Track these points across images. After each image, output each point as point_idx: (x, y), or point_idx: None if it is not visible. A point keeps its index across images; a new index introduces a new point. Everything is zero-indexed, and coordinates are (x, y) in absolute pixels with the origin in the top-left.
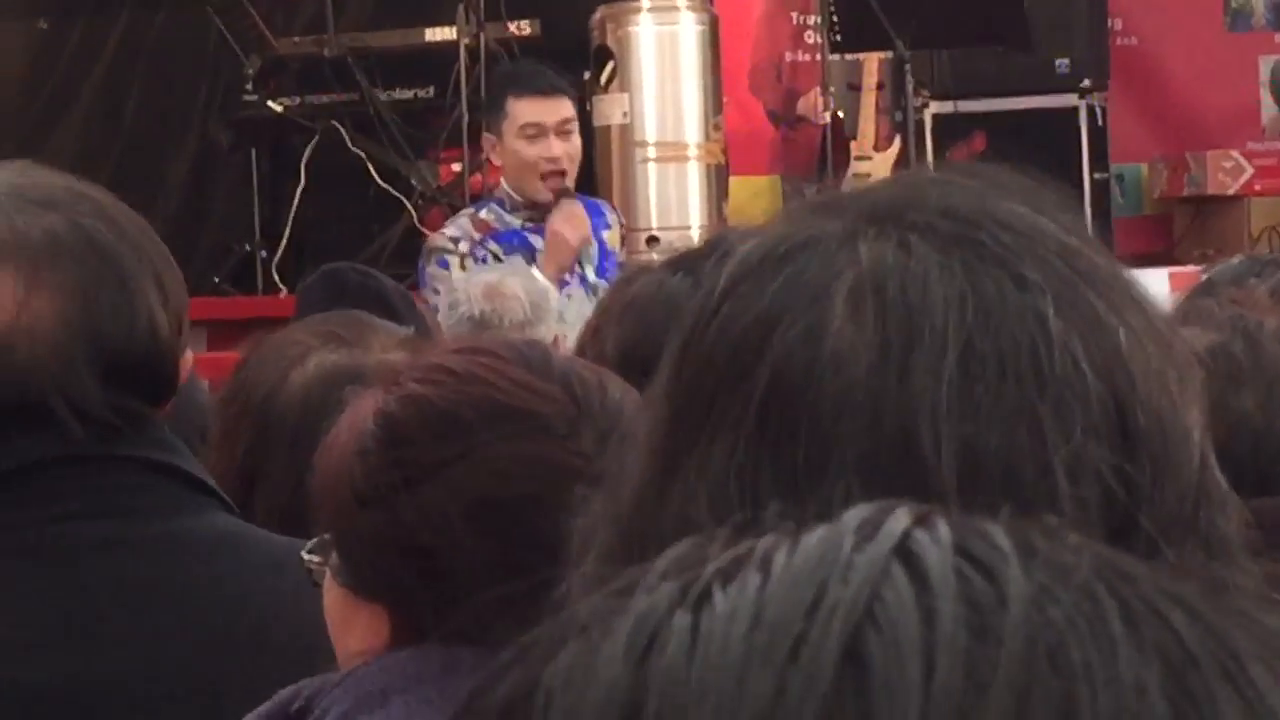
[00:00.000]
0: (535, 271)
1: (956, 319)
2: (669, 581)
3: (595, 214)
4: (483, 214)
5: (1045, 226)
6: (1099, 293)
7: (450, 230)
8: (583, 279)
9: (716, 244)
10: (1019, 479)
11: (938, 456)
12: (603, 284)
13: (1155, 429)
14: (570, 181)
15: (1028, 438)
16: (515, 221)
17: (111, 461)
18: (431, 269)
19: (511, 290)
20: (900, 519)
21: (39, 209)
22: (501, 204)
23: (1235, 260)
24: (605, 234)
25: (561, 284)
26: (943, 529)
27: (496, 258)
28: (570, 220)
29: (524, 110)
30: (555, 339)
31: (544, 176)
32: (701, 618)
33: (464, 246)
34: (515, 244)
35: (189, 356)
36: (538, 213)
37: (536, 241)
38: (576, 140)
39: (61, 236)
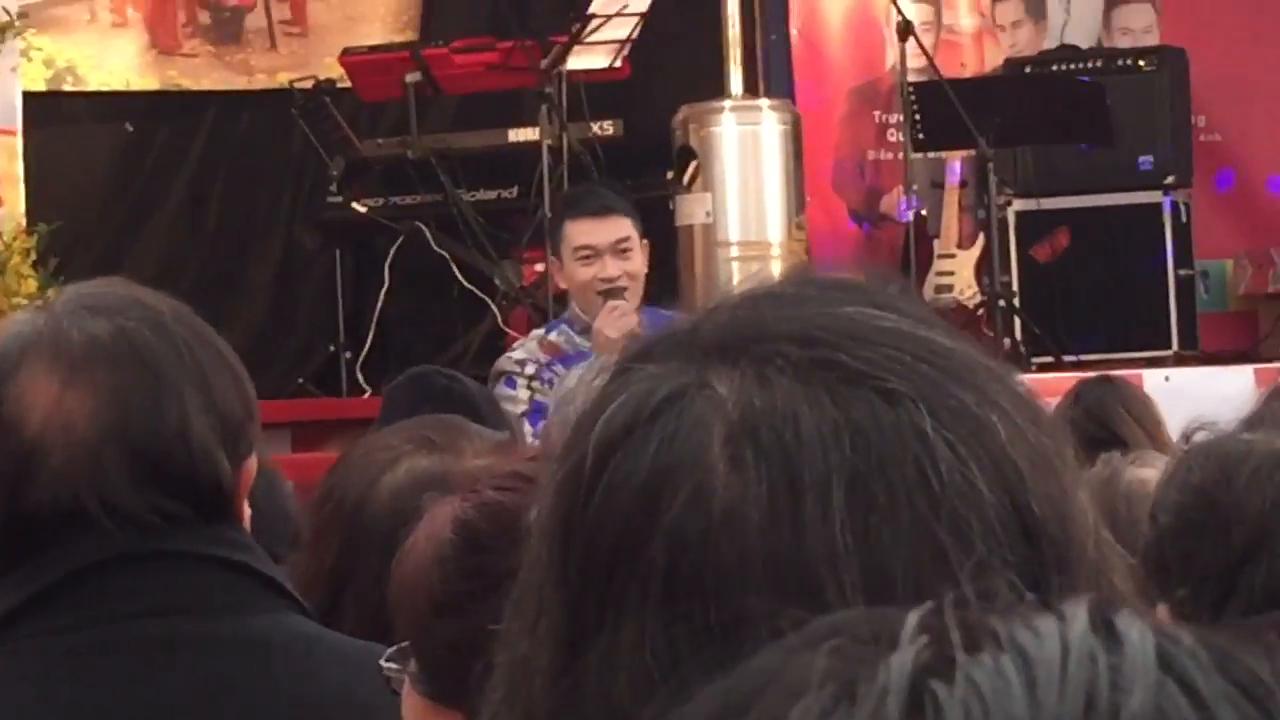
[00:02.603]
0: (518, 403)
1: (836, 453)
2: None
3: (665, 324)
4: (551, 336)
5: (894, 325)
6: (966, 385)
7: (517, 353)
8: None
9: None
10: None
11: (843, 602)
12: None
13: (1052, 516)
14: (634, 298)
15: (930, 561)
16: (584, 344)
17: (182, 559)
18: (499, 389)
19: None
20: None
21: (89, 315)
22: (571, 325)
23: None
24: None
25: None
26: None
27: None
28: (611, 317)
29: (578, 233)
30: None
31: (602, 295)
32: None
33: (530, 369)
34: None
35: (252, 463)
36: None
37: None
38: (637, 259)
39: (101, 340)
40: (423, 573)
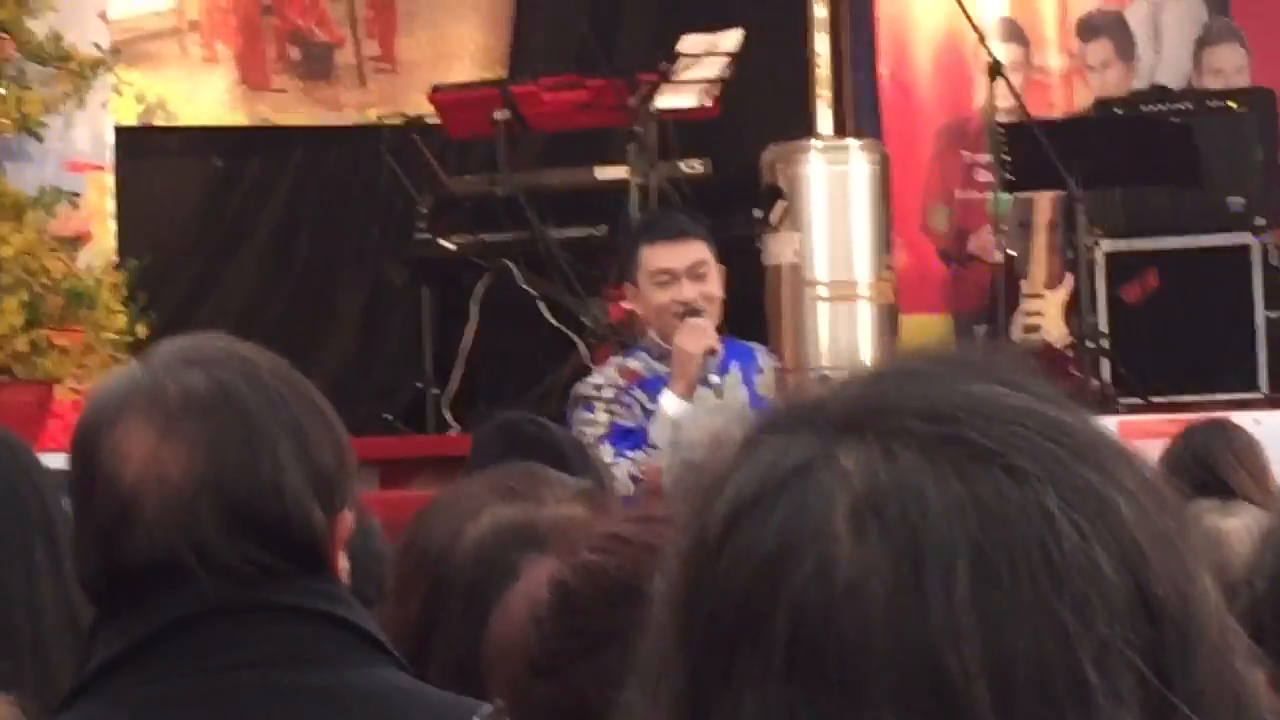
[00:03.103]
0: (598, 426)
1: (960, 529)
2: None
3: (746, 359)
4: (630, 362)
5: (1023, 404)
6: (1091, 463)
7: (595, 378)
8: (704, 383)
9: None
10: (1050, 683)
11: (965, 678)
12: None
13: (1175, 598)
14: (713, 321)
15: (1052, 640)
16: (662, 368)
17: (277, 611)
18: (577, 413)
19: (735, 438)
20: None
21: (186, 367)
22: (649, 352)
23: None
24: (756, 379)
25: None
26: None
27: (643, 406)
28: (692, 334)
29: (655, 257)
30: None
31: (681, 317)
32: None
33: (608, 393)
34: (660, 391)
35: (348, 516)
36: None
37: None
38: (713, 282)
39: (198, 392)
40: (519, 633)
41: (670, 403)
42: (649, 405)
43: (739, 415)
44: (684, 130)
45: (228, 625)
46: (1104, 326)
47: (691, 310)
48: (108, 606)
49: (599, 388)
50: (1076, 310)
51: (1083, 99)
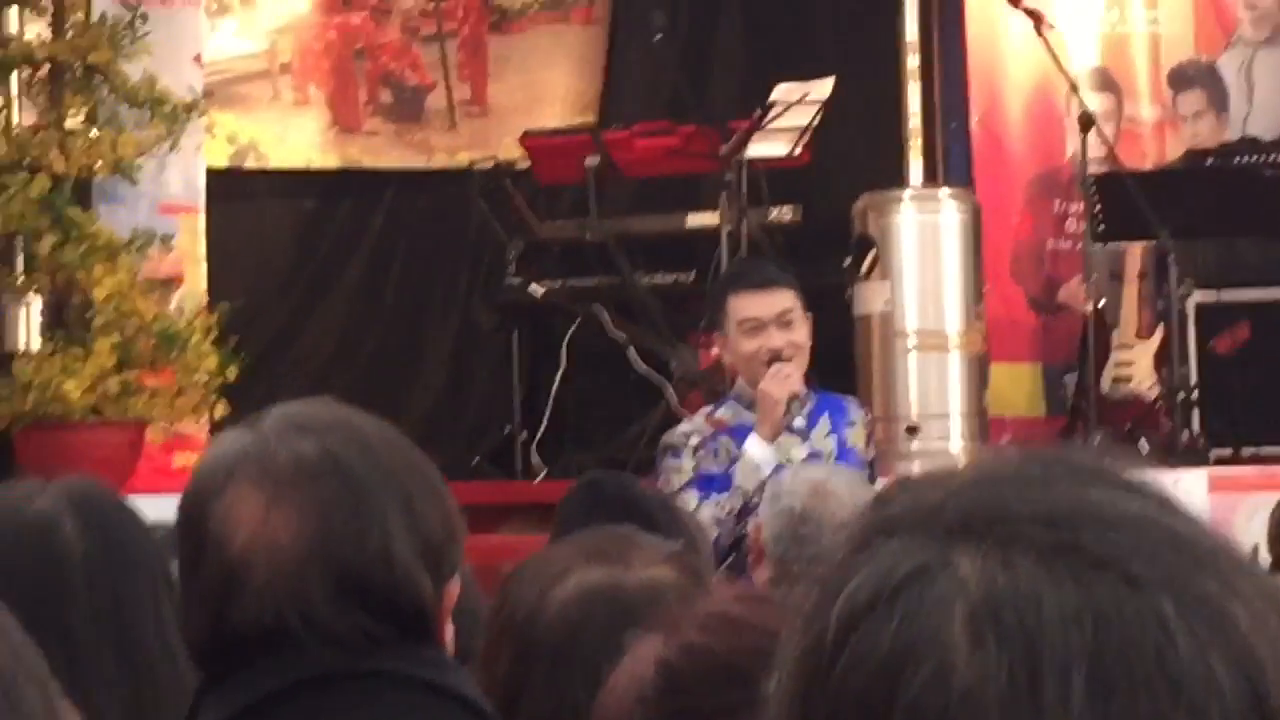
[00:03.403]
0: (683, 473)
1: (1077, 637)
2: None
3: (837, 410)
4: (719, 412)
5: (1140, 510)
6: (1209, 572)
7: (684, 426)
8: (790, 429)
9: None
10: None
11: None
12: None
13: None
14: (800, 368)
15: None
16: (750, 416)
17: (384, 679)
18: (665, 460)
19: (837, 490)
20: None
21: (296, 434)
22: (739, 400)
23: None
24: (847, 431)
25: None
26: None
27: (729, 452)
28: (777, 378)
29: (742, 306)
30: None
31: (768, 364)
32: None
33: (695, 440)
34: (745, 436)
35: (455, 585)
36: None
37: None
38: (801, 330)
39: (308, 459)
40: (625, 712)
41: (755, 447)
42: (735, 452)
43: (834, 466)
44: (775, 177)
45: (335, 692)
46: (1194, 378)
47: (777, 357)
48: (214, 671)
49: (687, 435)
50: (1167, 361)
51: (1174, 149)
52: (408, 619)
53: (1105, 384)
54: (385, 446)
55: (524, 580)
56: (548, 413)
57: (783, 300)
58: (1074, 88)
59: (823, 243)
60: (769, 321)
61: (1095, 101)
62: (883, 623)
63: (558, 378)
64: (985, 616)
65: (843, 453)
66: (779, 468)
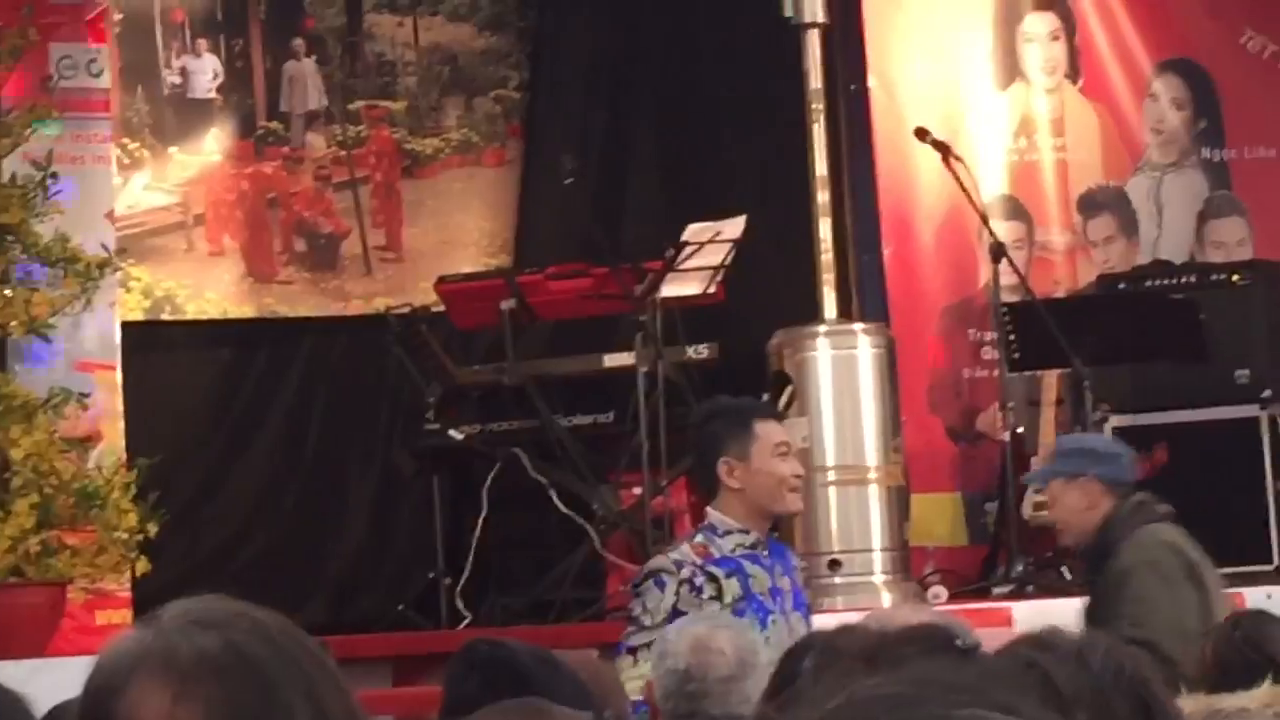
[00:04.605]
0: (663, 606)
1: None
2: None
3: (783, 555)
4: (699, 539)
5: None
6: None
7: (674, 554)
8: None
9: None
10: None
11: None
12: (800, 621)
13: None
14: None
15: None
16: (727, 547)
17: None
18: (647, 587)
19: (719, 645)
20: None
21: (197, 629)
22: (714, 530)
23: None
24: (795, 574)
25: (764, 612)
26: None
27: (713, 579)
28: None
29: (774, 431)
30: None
31: (791, 490)
32: None
33: (686, 572)
34: (732, 567)
35: None
36: (749, 539)
37: (749, 567)
38: None
39: (212, 652)
40: None
41: None
42: (722, 580)
43: (718, 617)
44: (691, 316)
45: None
46: None
47: (800, 483)
48: None
49: (679, 564)
50: None
51: (1086, 274)
52: None
53: (1026, 511)
54: (285, 637)
55: None
56: (470, 557)
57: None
58: (984, 219)
59: (740, 380)
60: (792, 449)
61: (1006, 229)
62: None
63: (480, 522)
64: None
65: (796, 593)
66: None
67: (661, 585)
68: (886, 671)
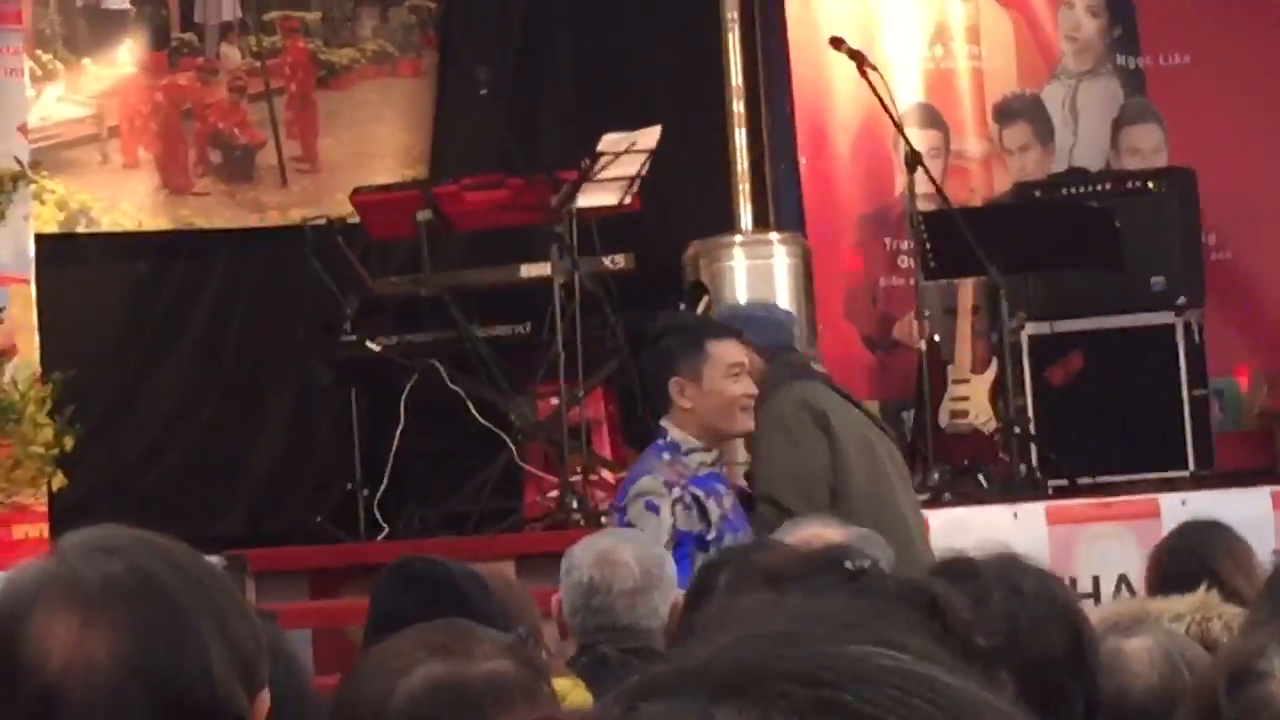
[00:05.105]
0: (662, 531)
1: None
2: None
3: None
4: (667, 458)
5: (898, 665)
6: None
7: (656, 477)
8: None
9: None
10: None
11: None
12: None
13: None
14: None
15: None
16: (690, 465)
17: None
18: (636, 513)
19: (623, 558)
20: None
21: (102, 555)
22: (678, 449)
23: None
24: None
25: (734, 530)
26: None
27: (700, 502)
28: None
29: (727, 351)
30: (672, 605)
31: (743, 409)
32: None
33: (676, 492)
34: (709, 488)
35: (265, 698)
36: (711, 456)
37: (717, 486)
38: None
39: (118, 577)
40: None
41: None
42: (705, 502)
43: (622, 532)
44: (607, 226)
45: None
46: (1030, 409)
47: (752, 401)
48: None
49: (669, 486)
50: (1003, 394)
51: (1002, 183)
52: None
53: (943, 419)
54: (191, 563)
55: (367, 675)
56: (388, 469)
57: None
58: (899, 128)
59: (656, 289)
60: (746, 368)
61: (921, 139)
62: None
63: (397, 434)
64: None
65: (736, 508)
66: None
67: (655, 509)
68: (792, 594)
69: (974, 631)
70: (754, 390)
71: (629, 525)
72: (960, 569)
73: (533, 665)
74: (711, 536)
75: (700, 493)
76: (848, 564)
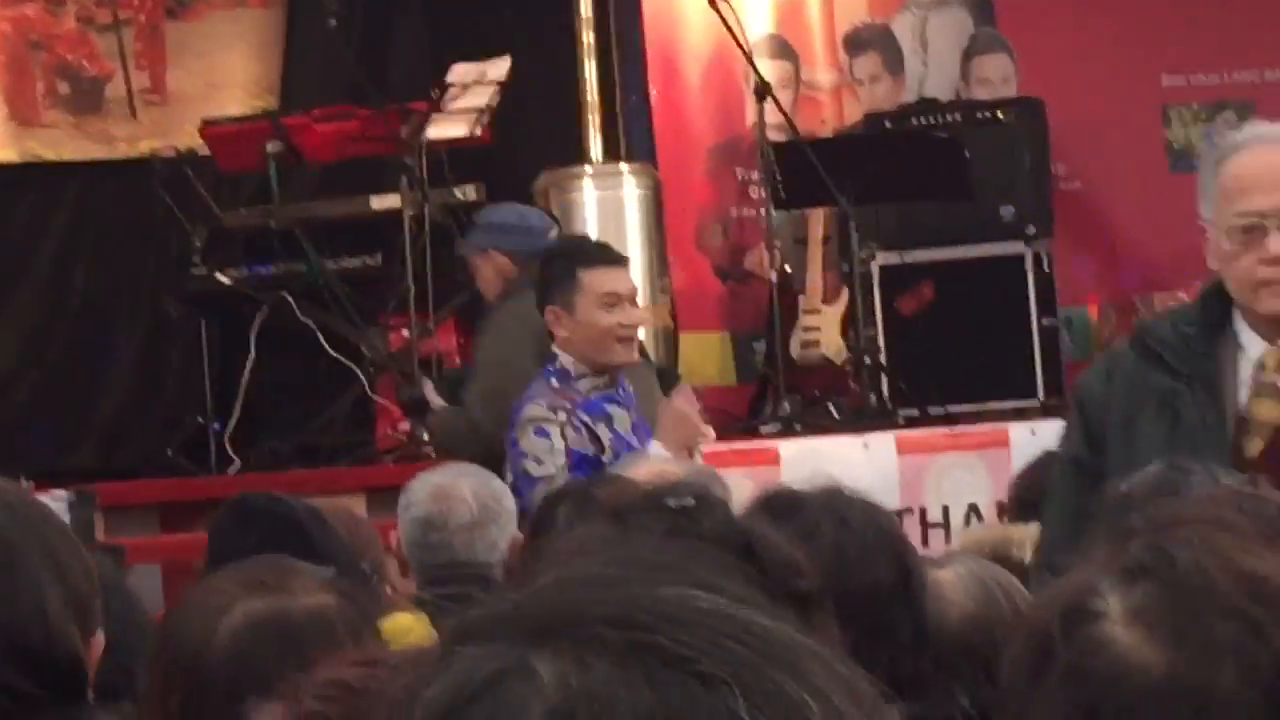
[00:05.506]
0: (557, 454)
1: None
2: None
3: (624, 387)
4: (554, 383)
5: (714, 607)
6: (784, 667)
7: (547, 400)
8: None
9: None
10: None
11: None
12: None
13: None
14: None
15: None
16: (582, 389)
17: None
18: (527, 442)
19: (460, 493)
20: None
21: None
22: (569, 376)
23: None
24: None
25: (631, 450)
26: None
27: (589, 427)
28: (691, 400)
29: (600, 280)
30: (513, 541)
31: (619, 340)
32: None
33: (562, 416)
34: (598, 412)
35: (99, 639)
36: (603, 380)
37: (610, 409)
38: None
39: None
40: None
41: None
42: (594, 426)
43: (461, 467)
44: (458, 158)
45: None
46: (881, 340)
47: (633, 332)
48: None
49: (555, 410)
50: (853, 324)
51: (853, 113)
52: (61, 676)
53: (794, 349)
54: (23, 504)
55: (188, 614)
56: (239, 402)
57: (631, 279)
58: (749, 58)
59: None
60: (625, 298)
61: (771, 69)
62: None
63: (248, 367)
64: (562, 718)
65: (640, 421)
66: None
67: (545, 434)
68: (630, 530)
69: (792, 574)
70: (633, 319)
71: (523, 454)
72: (786, 503)
73: (356, 601)
74: (607, 458)
75: (588, 419)
76: (670, 502)
